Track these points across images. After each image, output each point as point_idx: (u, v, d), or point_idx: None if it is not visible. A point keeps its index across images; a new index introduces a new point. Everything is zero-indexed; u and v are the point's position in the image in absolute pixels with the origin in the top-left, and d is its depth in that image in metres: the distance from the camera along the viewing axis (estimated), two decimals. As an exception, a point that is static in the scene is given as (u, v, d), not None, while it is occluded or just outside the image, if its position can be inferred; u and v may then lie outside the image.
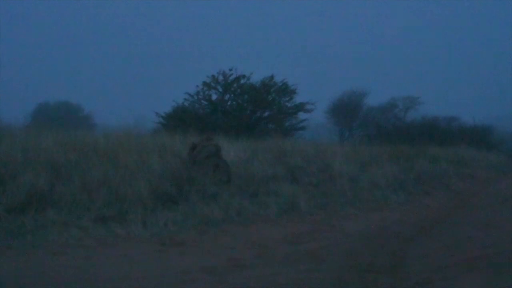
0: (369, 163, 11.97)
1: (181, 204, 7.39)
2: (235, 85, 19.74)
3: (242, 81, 19.68)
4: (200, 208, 7.31)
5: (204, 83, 19.67)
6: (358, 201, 9.29)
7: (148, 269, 5.11)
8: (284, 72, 29.90)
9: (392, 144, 16.07)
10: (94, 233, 6.14)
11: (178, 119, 17.88)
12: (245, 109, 19.90)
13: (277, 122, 20.10)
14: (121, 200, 6.92)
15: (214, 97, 19.99)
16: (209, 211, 7.28)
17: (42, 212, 6.36)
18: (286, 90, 19.92)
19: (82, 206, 6.64)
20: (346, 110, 30.84)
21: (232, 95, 19.99)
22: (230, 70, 19.58)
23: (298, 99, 20.05)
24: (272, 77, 19.92)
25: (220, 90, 19.85)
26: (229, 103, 20.08)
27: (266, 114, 20.25)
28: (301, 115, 20.40)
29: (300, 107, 20.03)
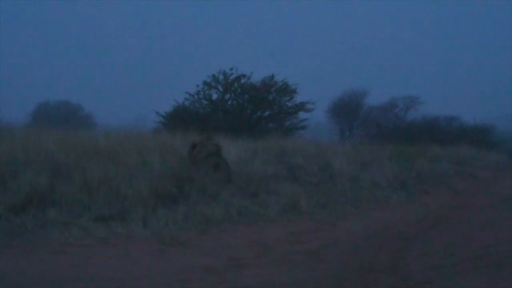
0: (370, 163, 11.97)
1: (182, 203, 7.39)
2: (235, 84, 19.74)
3: (243, 81, 19.68)
4: (201, 208, 7.31)
5: (205, 83, 19.68)
6: (359, 201, 9.29)
7: (148, 269, 5.11)
8: (285, 72, 29.95)
9: (392, 143, 16.09)
10: (95, 232, 6.13)
11: (179, 119, 17.87)
12: (246, 108, 19.91)
13: (277, 121, 20.11)
14: (121, 199, 6.91)
15: (214, 96, 20.03)
16: (209, 210, 7.28)
17: (42, 211, 6.36)
18: (286, 89, 19.92)
19: (83, 206, 6.64)
20: (347, 110, 30.83)
21: (232, 94, 20.00)
22: (231, 69, 19.61)
23: (298, 98, 20.09)
24: (272, 76, 19.93)
25: (221, 89, 19.86)
26: (229, 102, 20.09)
27: (267, 113, 20.26)
28: (302, 115, 20.44)
29: (301, 107, 20.03)
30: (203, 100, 19.99)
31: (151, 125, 18.91)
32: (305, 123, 20.53)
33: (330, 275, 5.04)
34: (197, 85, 19.68)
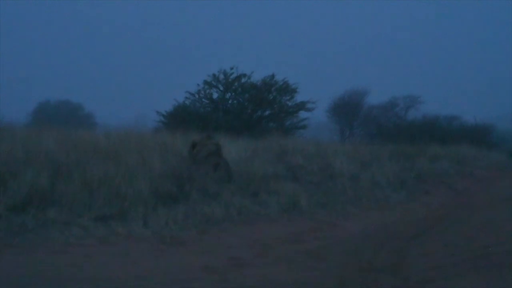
0: (370, 162, 11.98)
1: (182, 203, 7.40)
2: (236, 83, 19.73)
3: (243, 80, 19.67)
4: (201, 207, 7.32)
5: (205, 82, 19.67)
6: (359, 200, 9.30)
7: (149, 268, 5.11)
8: (285, 71, 29.91)
9: (393, 143, 16.10)
10: (95, 232, 6.14)
11: (179, 118, 17.85)
12: (246, 108, 19.89)
13: (278, 121, 20.10)
14: (122, 199, 6.92)
15: (215, 95, 20.01)
16: (209, 210, 7.28)
17: (42, 211, 6.36)
18: (287, 89, 19.91)
19: (83, 205, 6.64)
20: (347, 109, 30.78)
21: (233, 93, 19.98)
22: (231, 69, 19.59)
23: (299, 98, 20.07)
24: (273, 76, 19.93)
25: (221, 88, 19.84)
26: (230, 101, 20.07)
27: (267, 113, 20.24)
28: (302, 114, 20.41)
29: (301, 106, 20.02)
30: (203, 99, 19.99)
31: (151, 125, 18.91)
32: (306, 123, 20.51)
33: (331, 274, 5.04)
34: (198, 84, 19.69)
